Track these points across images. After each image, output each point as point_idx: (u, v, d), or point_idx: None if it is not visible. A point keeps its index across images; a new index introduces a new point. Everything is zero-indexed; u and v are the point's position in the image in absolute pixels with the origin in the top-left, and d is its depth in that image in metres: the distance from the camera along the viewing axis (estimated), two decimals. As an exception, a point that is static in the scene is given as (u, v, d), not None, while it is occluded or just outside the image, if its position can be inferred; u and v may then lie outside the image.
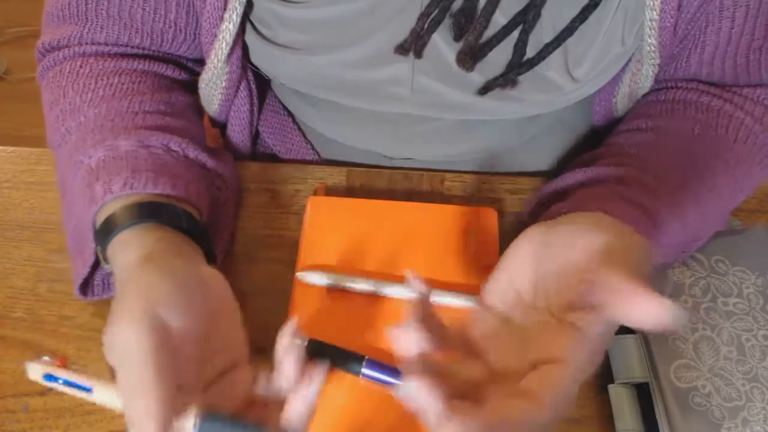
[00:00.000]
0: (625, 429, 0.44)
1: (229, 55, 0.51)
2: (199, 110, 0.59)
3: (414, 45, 0.48)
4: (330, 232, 0.52)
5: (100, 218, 0.42)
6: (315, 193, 0.56)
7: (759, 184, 0.54)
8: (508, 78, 0.49)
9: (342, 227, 0.53)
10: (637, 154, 0.50)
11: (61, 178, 0.51)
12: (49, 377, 0.38)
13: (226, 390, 0.38)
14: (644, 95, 0.56)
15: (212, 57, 0.51)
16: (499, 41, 0.47)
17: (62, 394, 0.46)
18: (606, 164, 0.49)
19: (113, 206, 0.42)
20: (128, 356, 0.33)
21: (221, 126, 0.62)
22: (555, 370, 0.33)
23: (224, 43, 0.50)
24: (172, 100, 0.54)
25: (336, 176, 0.58)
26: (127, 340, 0.33)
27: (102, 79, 0.51)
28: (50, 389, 0.38)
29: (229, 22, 0.49)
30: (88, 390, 0.37)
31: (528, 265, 0.38)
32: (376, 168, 0.58)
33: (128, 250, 0.40)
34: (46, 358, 0.39)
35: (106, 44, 0.53)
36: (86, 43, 0.53)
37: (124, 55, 0.54)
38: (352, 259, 0.51)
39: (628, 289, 0.32)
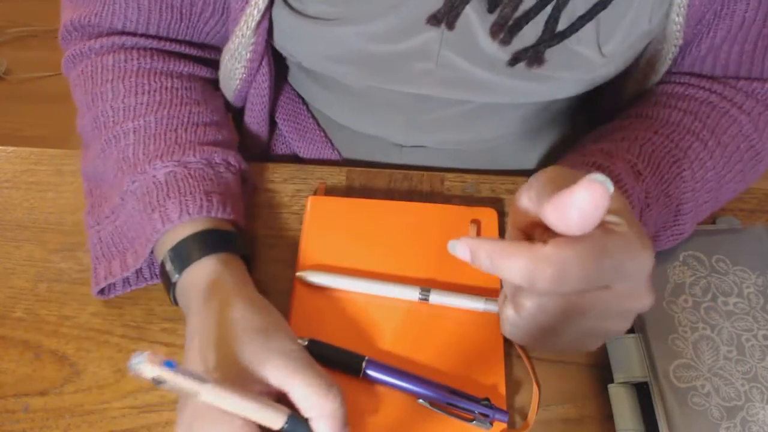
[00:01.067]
0: (624, 429, 0.44)
1: (257, 25, 0.51)
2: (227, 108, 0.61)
3: (447, 16, 0.48)
4: (330, 232, 0.52)
5: (170, 236, 0.45)
6: (315, 193, 0.56)
7: (752, 178, 0.54)
8: (537, 50, 0.48)
9: (342, 227, 0.53)
10: (619, 127, 0.54)
11: (97, 173, 0.51)
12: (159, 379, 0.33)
13: None
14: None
15: (241, 24, 0.51)
16: (535, 14, 0.47)
17: (62, 394, 0.47)
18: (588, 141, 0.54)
19: (185, 229, 0.45)
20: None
21: (238, 112, 0.64)
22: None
23: (256, 10, 0.50)
24: (218, 107, 0.56)
25: (336, 176, 0.58)
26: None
27: (155, 81, 0.52)
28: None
29: None
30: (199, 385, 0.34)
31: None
32: (376, 168, 0.58)
33: (205, 292, 0.42)
34: (142, 353, 0.33)
35: (135, 33, 0.53)
36: (118, 31, 0.52)
37: (167, 54, 0.54)
38: (352, 259, 0.51)
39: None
